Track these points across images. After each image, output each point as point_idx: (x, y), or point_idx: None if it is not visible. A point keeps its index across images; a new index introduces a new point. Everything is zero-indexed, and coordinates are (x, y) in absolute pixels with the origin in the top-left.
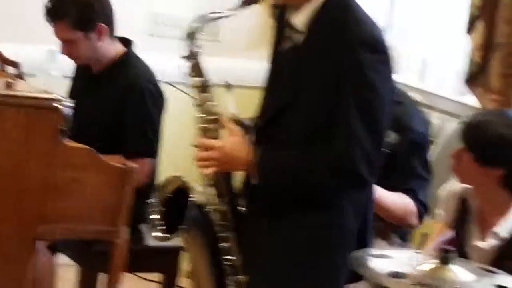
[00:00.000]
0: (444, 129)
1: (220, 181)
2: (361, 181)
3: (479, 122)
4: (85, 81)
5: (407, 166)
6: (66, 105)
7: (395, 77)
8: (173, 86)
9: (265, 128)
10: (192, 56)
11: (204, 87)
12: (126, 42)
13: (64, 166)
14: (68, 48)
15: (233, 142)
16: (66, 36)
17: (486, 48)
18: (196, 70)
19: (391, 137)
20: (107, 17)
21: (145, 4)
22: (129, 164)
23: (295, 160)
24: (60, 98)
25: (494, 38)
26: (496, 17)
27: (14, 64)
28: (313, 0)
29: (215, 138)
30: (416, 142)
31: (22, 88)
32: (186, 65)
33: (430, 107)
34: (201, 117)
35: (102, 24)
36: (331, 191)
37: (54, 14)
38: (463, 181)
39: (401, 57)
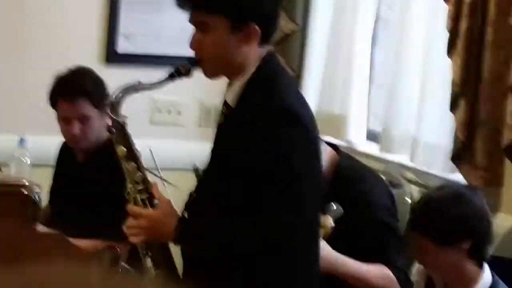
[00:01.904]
0: None
1: (155, 251)
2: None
3: (427, 204)
4: (69, 168)
5: (378, 243)
6: (35, 191)
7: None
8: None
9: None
10: (118, 126)
11: (130, 157)
12: None
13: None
14: (81, 127)
15: (161, 211)
16: (84, 113)
17: (470, 125)
18: (122, 140)
19: (334, 210)
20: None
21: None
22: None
23: (205, 229)
24: (28, 184)
25: (478, 115)
26: (478, 94)
27: None
28: (244, 74)
29: (146, 207)
30: (380, 217)
31: None
32: (111, 136)
33: (422, 185)
34: (130, 187)
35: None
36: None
37: (74, 90)
38: (433, 271)
39: (391, 136)
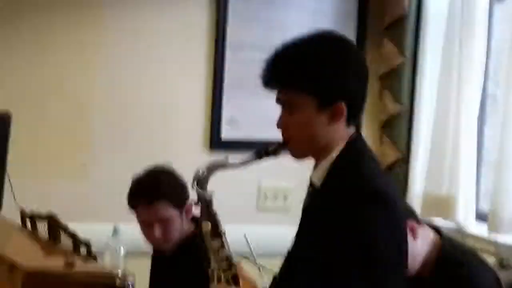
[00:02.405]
0: None
1: None
2: None
3: None
4: (157, 261)
5: None
6: (129, 281)
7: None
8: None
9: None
10: (204, 201)
11: (216, 234)
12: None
13: None
14: (162, 230)
15: None
16: (163, 215)
17: None
18: (209, 216)
19: None
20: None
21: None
22: None
23: None
24: (122, 274)
25: None
26: None
27: (85, 243)
28: (330, 154)
29: (230, 285)
30: None
31: (83, 267)
32: (196, 211)
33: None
34: (214, 265)
35: (189, 201)
36: None
37: (151, 193)
38: None
39: (500, 216)
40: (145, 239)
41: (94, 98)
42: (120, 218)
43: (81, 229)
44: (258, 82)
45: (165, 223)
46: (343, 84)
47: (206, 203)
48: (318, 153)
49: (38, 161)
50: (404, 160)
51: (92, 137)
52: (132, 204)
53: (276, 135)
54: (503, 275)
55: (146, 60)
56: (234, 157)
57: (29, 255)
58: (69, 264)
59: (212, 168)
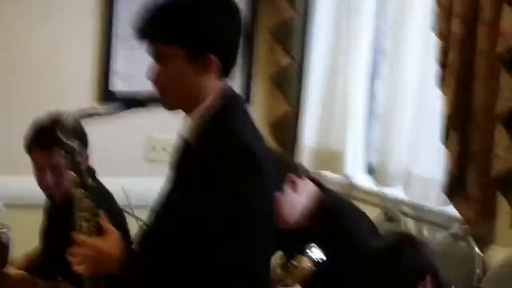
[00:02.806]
0: (434, 240)
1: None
2: None
3: None
4: (49, 211)
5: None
6: (2, 233)
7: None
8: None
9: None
10: (68, 150)
11: (81, 183)
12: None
13: None
14: (55, 175)
15: (107, 241)
16: (57, 162)
17: (462, 158)
18: (73, 165)
19: (313, 252)
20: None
21: (142, 130)
22: None
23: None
24: None
25: (470, 147)
26: (469, 126)
27: None
28: (200, 108)
29: (92, 235)
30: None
31: None
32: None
33: (417, 219)
34: (79, 215)
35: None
36: None
37: (48, 139)
38: None
39: (386, 170)
40: (38, 184)
41: None
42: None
43: None
44: None
45: (58, 170)
46: (213, 36)
47: (71, 152)
48: (188, 105)
49: None
50: (295, 113)
51: None
52: (28, 148)
53: None
54: (389, 227)
55: (37, 15)
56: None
57: None
58: None
59: (77, 116)
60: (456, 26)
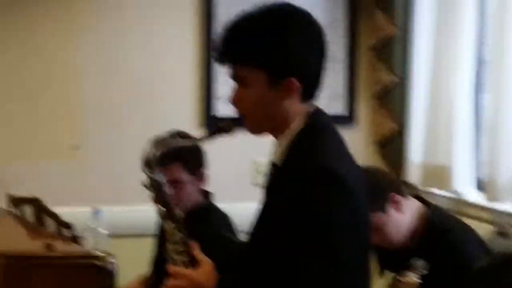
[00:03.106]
0: None
1: None
2: None
3: None
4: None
5: None
6: (109, 262)
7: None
8: None
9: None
10: (155, 185)
11: (170, 216)
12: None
13: None
14: (173, 192)
15: (202, 272)
16: (176, 178)
17: None
18: (161, 200)
19: (418, 265)
20: (206, 163)
21: (248, 153)
22: None
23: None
24: (102, 255)
25: None
26: None
27: (68, 226)
28: (288, 132)
29: (186, 267)
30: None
31: (64, 249)
32: (149, 194)
33: None
34: (171, 247)
35: (203, 169)
36: None
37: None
38: None
39: (497, 184)
40: None
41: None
42: (102, 201)
43: (74, 211)
44: None
45: (177, 185)
46: (294, 59)
47: (157, 186)
48: (274, 130)
49: (28, 144)
50: (400, 130)
51: (83, 120)
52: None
53: None
54: (501, 244)
55: (137, 42)
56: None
57: (11, 240)
58: (49, 247)
59: (160, 148)
60: None
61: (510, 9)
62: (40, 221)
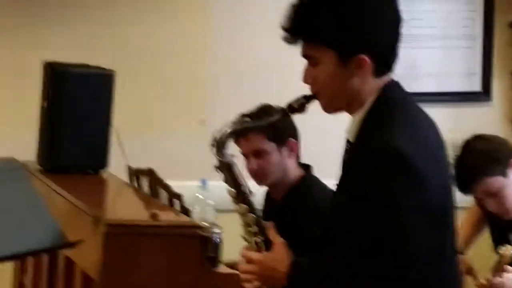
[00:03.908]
0: None
1: None
2: None
3: None
4: (269, 210)
5: None
6: (214, 232)
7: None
8: None
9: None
10: (224, 166)
11: (242, 198)
12: (304, 167)
13: None
14: (259, 163)
15: (274, 255)
16: (258, 148)
17: None
18: (231, 181)
19: None
20: (296, 135)
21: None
22: None
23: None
24: (207, 225)
25: None
26: None
27: (178, 197)
28: (363, 108)
29: (260, 249)
30: None
31: (168, 218)
32: (220, 176)
33: None
34: (245, 230)
35: (293, 140)
36: None
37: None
38: None
39: None
40: (248, 173)
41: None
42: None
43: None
44: None
45: (261, 155)
46: (362, 35)
47: (227, 168)
48: (348, 107)
49: (150, 117)
50: None
51: (207, 94)
52: (233, 138)
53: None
54: None
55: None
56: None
57: (120, 209)
58: (155, 216)
59: (231, 132)
60: None
61: None
62: (154, 193)
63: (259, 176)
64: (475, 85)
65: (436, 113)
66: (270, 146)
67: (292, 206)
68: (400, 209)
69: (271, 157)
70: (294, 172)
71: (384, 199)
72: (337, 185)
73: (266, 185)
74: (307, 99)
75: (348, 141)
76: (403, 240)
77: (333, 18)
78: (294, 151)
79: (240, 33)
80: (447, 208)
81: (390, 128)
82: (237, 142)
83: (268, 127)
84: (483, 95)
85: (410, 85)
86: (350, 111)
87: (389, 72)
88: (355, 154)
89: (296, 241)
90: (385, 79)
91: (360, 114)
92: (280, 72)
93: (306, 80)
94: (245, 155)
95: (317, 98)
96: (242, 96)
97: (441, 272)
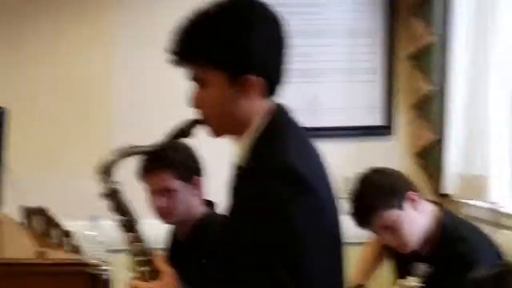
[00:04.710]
0: None
1: None
2: None
3: None
4: (172, 248)
5: None
6: (103, 270)
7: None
8: None
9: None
10: (111, 194)
11: (129, 226)
12: (208, 204)
13: None
14: (166, 201)
15: (162, 285)
16: (168, 185)
17: None
18: (118, 209)
19: (420, 270)
20: (200, 171)
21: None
22: None
23: None
24: (96, 263)
25: None
26: None
27: (69, 235)
28: (250, 130)
29: (148, 279)
30: None
31: (56, 256)
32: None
33: None
34: (133, 260)
35: (197, 177)
36: None
37: (157, 163)
38: None
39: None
40: (153, 210)
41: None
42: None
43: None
44: None
45: (169, 193)
46: (252, 55)
47: (113, 195)
48: (236, 130)
49: (44, 157)
50: (439, 141)
51: (102, 132)
52: (140, 174)
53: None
54: None
55: None
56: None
57: (8, 248)
58: (41, 254)
59: (117, 156)
60: None
61: None
62: (46, 231)
63: (165, 215)
64: (377, 119)
65: (339, 147)
66: (178, 184)
67: (195, 244)
68: (299, 225)
69: (179, 195)
70: (198, 209)
71: (281, 218)
72: (230, 211)
73: (172, 223)
74: (194, 123)
75: (237, 166)
76: (300, 256)
77: (221, 38)
78: (199, 188)
79: (143, 66)
80: (339, 235)
81: (284, 149)
82: (144, 178)
83: (176, 165)
84: (385, 129)
85: (313, 120)
86: (237, 133)
87: (275, 94)
88: (250, 177)
89: (200, 278)
90: (271, 101)
91: (250, 137)
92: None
93: (193, 103)
94: (152, 192)
95: (205, 122)
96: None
97: None
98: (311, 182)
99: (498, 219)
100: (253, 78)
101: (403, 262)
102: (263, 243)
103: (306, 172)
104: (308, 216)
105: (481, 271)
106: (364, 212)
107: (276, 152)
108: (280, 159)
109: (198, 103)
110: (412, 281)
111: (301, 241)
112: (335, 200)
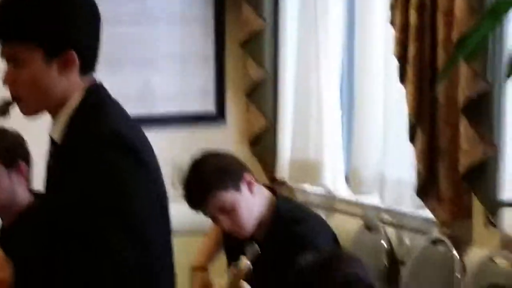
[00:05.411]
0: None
1: None
2: None
3: None
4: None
5: None
6: None
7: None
8: None
9: None
10: None
11: None
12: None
13: None
14: None
15: None
16: None
17: (430, 156)
18: None
19: (251, 249)
20: (28, 157)
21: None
22: None
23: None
24: None
25: (438, 143)
26: (435, 121)
27: None
28: (66, 107)
29: None
30: None
31: None
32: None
33: (397, 226)
34: None
35: (23, 163)
36: None
37: None
38: None
39: (360, 177)
40: None
41: None
42: None
43: None
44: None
45: None
46: (69, 30)
47: None
48: (53, 108)
49: None
50: (271, 127)
51: None
52: None
53: None
54: (368, 238)
55: None
56: None
57: None
58: None
59: None
60: (413, 17)
61: None
62: None
63: None
64: (210, 107)
65: (172, 135)
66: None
67: (18, 232)
68: (135, 196)
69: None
70: (24, 196)
71: (119, 186)
72: (47, 191)
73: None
74: (8, 103)
75: (52, 143)
76: (135, 222)
77: (37, 14)
78: (23, 175)
79: None
80: (167, 208)
81: (110, 118)
82: None
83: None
84: (218, 116)
85: (146, 108)
86: (53, 112)
87: (91, 72)
88: (68, 153)
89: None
90: (89, 79)
91: (66, 113)
92: None
93: (7, 82)
94: None
95: (17, 101)
96: None
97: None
98: (140, 149)
99: (332, 203)
100: (72, 53)
101: (237, 247)
102: (100, 208)
103: (134, 139)
104: (144, 186)
105: (307, 257)
106: (200, 193)
107: (102, 122)
108: (109, 127)
109: (12, 83)
110: (244, 259)
111: (138, 210)
112: (161, 174)
